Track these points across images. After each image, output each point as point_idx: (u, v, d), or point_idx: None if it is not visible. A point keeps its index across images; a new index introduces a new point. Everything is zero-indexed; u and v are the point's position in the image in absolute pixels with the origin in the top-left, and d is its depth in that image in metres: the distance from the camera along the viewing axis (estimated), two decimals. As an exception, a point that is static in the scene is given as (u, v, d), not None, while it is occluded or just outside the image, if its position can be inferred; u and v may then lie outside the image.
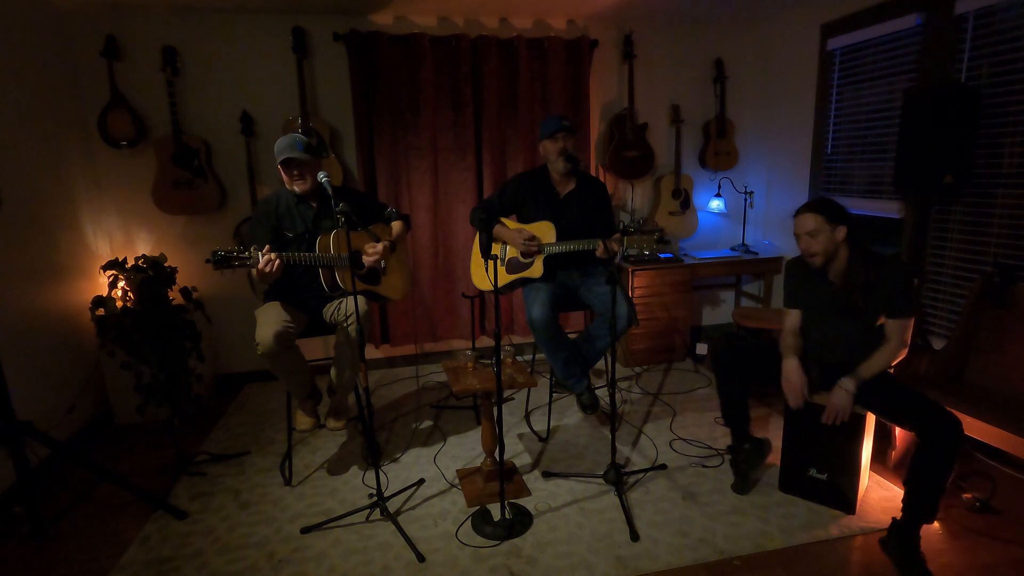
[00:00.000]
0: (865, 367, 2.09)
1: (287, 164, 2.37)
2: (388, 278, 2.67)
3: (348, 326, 2.41)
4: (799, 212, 2.18)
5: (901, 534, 1.96)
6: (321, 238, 2.42)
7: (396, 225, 2.72)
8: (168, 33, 3.30)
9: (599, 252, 2.50)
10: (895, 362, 2.12)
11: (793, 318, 2.34)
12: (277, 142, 2.38)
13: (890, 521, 2.06)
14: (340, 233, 2.41)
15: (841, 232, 2.11)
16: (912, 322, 2.12)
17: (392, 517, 2.25)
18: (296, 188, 2.42)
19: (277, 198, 2.50)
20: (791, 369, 2.22)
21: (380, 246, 2.52)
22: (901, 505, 2.00)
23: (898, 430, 2.49)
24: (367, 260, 2.53)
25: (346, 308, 2.42)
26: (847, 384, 2.08)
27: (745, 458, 2.41)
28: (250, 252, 2.17)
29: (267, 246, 2.22)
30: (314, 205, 2.50)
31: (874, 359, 2.10)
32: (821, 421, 2.15)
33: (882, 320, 2.15)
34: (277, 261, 2.21)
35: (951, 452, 1.89)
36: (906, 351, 2.12)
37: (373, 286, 2.61)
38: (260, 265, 2.18)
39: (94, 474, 2.39)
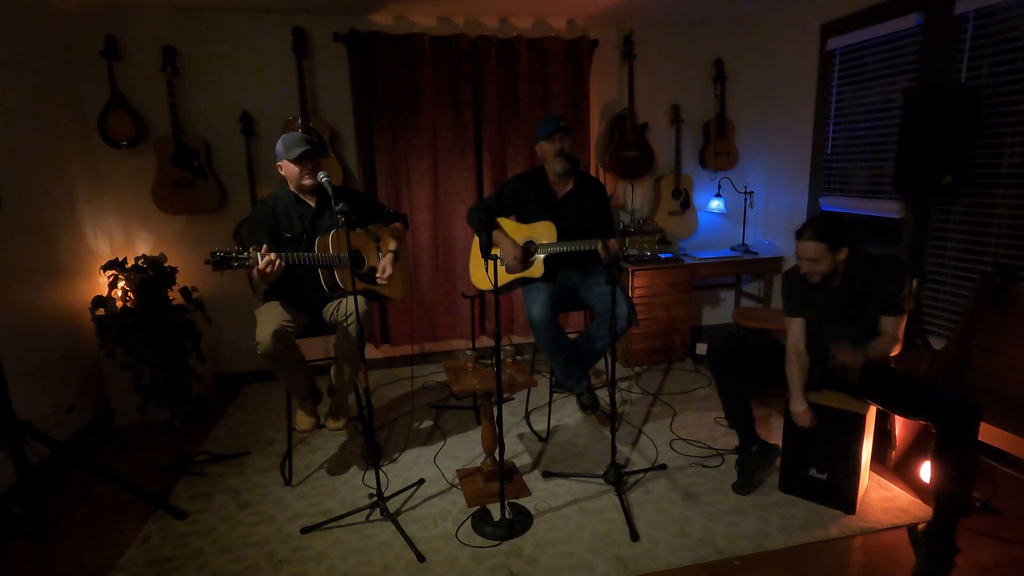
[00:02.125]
0: (868, 347, 2.12)
1: (304, 158, 2.37)
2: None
3: (348, 326, 2.41)
4: (801, 237, 2.13)
5: (937, 531, 1.94)
6: (320, 238, 2.42)
7: (396, 227, 2.73)
8: (168, 33, 3.30)
9: (602, 255, 2.49)
10: (891, 354, 2.14)
11: (796, 330, 2.29)
12: (284, 138, 2.38)
13: (891, 521, 2.06)
14: (339, 233, 2.42)
15: (843, 254, 2.10)
16: (904, 319, 2.14)
17: (392, 517, 2.25)
18: (307, 182, 2.41)
19: (275, 199, 2.50)
20: (801, 413, 2.23)
21: (389, 267, 2.54)
22: (933, 505, 1.99)
23: (898, 430, 2.48)
24: (380, 281, 2.55)
25: (345, 308, 2.43)
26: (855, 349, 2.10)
27: (752, 460, 2.41)
28: (249, 252, 2.17)
29: (265, 246, 2.22)
30: (312, 205, 2.50)
31: (873, 344, 2.13)
32: (829, 365, 2.15)
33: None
34: (278, 262, 2.21)
35: (970, 436, 1.89)
36: (900, 346, 2.15)
37: (373, 285, 2.61)
38: (260, 266, 2.17)
39: (94, 474, 2.40)
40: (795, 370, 2.26)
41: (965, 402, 1.92)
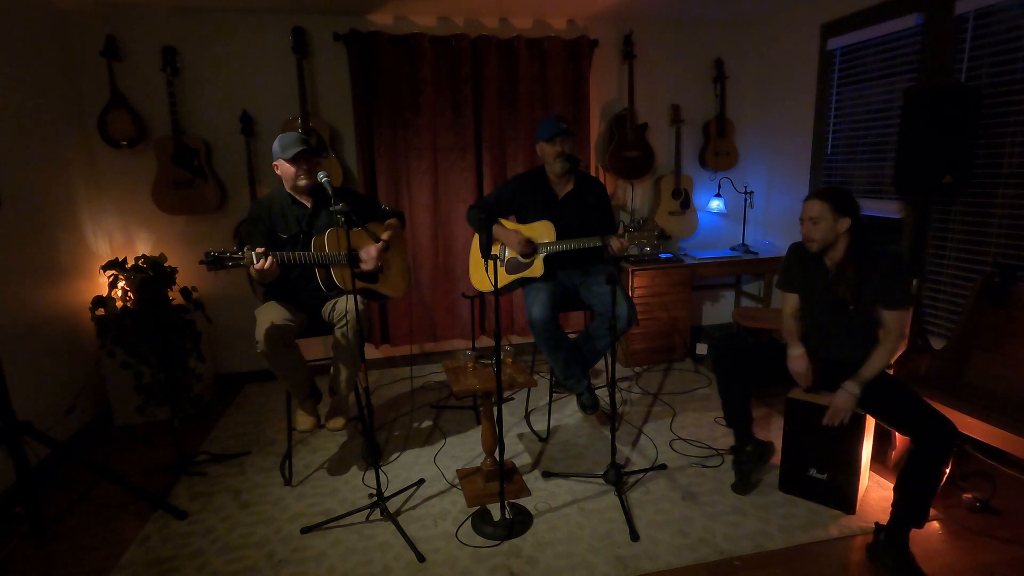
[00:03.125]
0: (867, 367, 2.09)
1: (299, 158, 2.37)
2: (387, 276, 2.67)
3: (344, 325, 2.41)
4: (809, 197, 2.19)
5: (890, 539, 1.95)
6: (316, 238, 2.42)
7: (391, 222, 2.71)
8: (168, 33, 3.30)
9: (611, 245, 2.48)
10: (895, 357, 2.11)
11: (792, 301, 2.36)
12: (280, 138, 2.37)
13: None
14: (335, 231, 2.42)
15: (844, 224, 2.11)
16: (910, 314, 2.12)
17: (392, 517, 2.25)
18: (302, 182, 2.41)
19: (271, 200, 2.49)
20: (797, 356, 2.25)
21: (373, 250, 2.51)
22: (891, 508, 1.99)
23: (898, 430, 2.49)
24: (365, 267, 2.54)
25: (344, 307, 2.42)
26: (851, 387, 2.08)
27: (747, 460, 2.41)
28: (243, 252, 2.17)
29: (259, 247, 2.22)
30: (308, 206, 2.50)
31: (875, 358, 2.09)
32: (822, 423, 2.15)
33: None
34: (273, 261, 2.20)
35: (944, 458, 1.89)
36: (905, 345, 2.12)
37: (371, 284, 2.60)
38: (256, 265, 2.17)
39: (94, 474, 2.40)
40: (791, 324, 2.32)
41: (941, 420, 1.91)
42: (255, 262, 2.17)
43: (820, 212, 2.11)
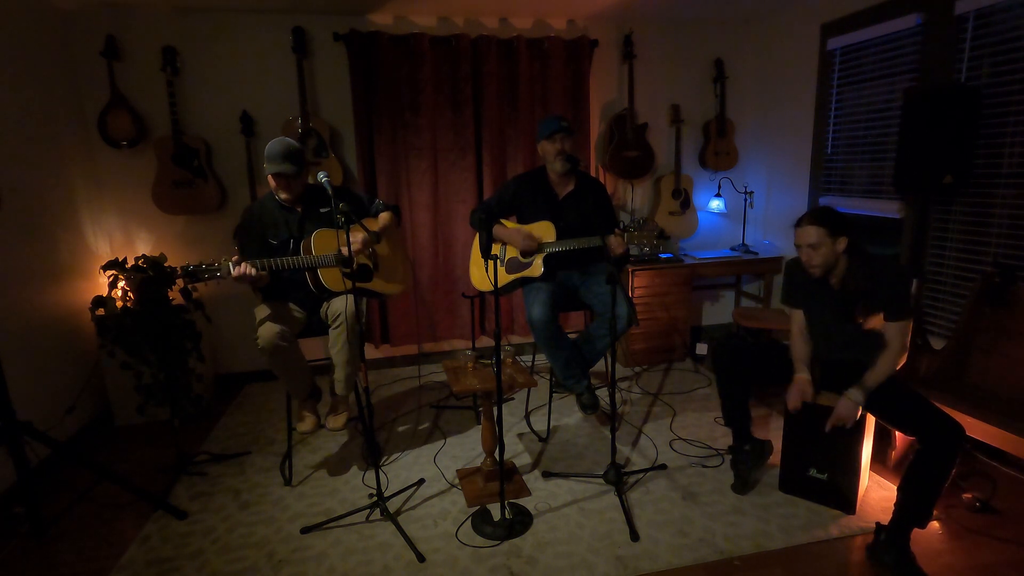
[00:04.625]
0: (870, 375, 2.08)
1: (275, 175, 2.38)
2: (383, 274, 2.66)
3: (337, 327, 2.41)
4: (800, 223, 2.14)
5: (891, 539, 1.95)
6: (304, 241, 2.42)
7: (383, 217, 2.68)
8: (168, 33, 3.30)
9: (617, 248, 2.47)
10: (898, 367, 2.10)
11: (798, 318, 2.34)
12: (269, 145, 2.36)
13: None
14: (320, 233, 2.41)
15: (842, 243, 2.09)
16: (911, 324, 2.11)
17: (392, 517, 2.25)
18: (281, 196, 2.43)
19: (261, 207, 2.49)
20: (802, 380, 2.25)
21: (359, 236, 2.45)
22: (893, 508, 1.99)
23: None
24: (354, 250, 2.47)
25: (338, 307, 2.42)
26: (855, 395, 2.07)
27: (745, 459, 2.41)
28: (219, 263, 2.16)
29: (236, 256, 2.21)
30: (299, 210, 2.49)
31: (878, 366, 2.08)
32: (825, 428, 2.15)
33: (878, 323, 2.13)
34: (250, 271, 2.20)
35: (951, 459, 1.89)
36: (906, 355, 2.11)
37: (365, 283, 2.58)
38: (234, 275, 2.17)
39: (94, 474, 2.40)
40: (800, 346, 2.30)
41: (949, 421, 1.91)
42: (231, 271, 2.16)
43: (818, 238, 2.08)
